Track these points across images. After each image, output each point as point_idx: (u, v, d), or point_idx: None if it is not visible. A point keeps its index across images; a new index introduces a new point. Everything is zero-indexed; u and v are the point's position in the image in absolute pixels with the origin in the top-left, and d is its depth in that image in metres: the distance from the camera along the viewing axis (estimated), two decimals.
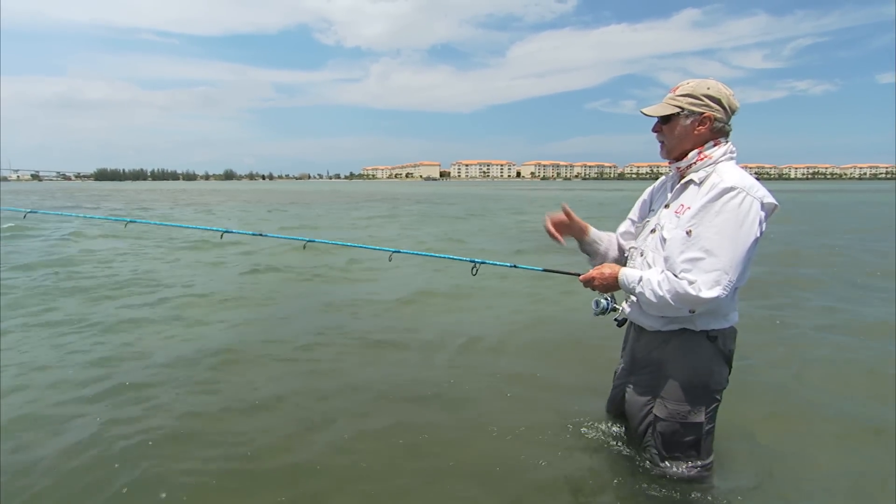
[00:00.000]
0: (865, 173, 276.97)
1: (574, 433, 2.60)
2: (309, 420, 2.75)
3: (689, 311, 1.88)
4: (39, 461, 2.30)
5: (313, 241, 2.62)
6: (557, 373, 3.39)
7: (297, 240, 2.65)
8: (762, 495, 2.18)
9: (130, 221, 2.61)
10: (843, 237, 11.27)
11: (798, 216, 17.02)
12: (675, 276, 1.84)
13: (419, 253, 2.89)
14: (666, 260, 1.91)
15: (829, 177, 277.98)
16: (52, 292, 5.42)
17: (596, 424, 2.60)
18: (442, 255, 3.01)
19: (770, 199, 1.83)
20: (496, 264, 2.79)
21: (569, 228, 2.30)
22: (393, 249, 2.70)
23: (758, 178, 1.90)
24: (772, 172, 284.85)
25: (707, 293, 1.77)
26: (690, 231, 1.83)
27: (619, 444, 2.40)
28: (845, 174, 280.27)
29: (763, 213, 1.81)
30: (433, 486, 2.21)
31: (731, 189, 1.79)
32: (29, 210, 2.85)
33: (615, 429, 2.49)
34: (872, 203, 26.31)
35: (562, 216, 2.26)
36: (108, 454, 2.36)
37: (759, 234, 1.81)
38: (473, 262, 2.69)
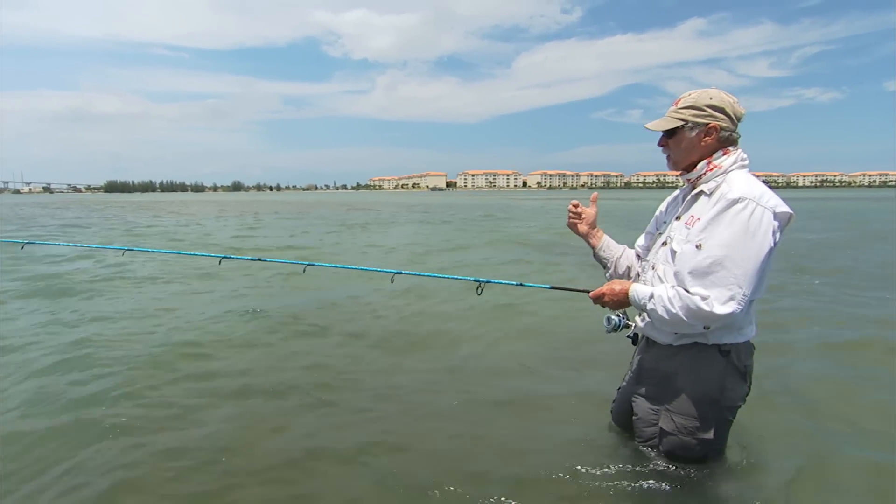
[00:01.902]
0: (875, 181, 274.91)
1: (579, 441, 2.56)
2: (314, 424, 2.72)
3: (704, 328, 1.82)
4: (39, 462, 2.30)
5: (313, 265, 2.59)
6: (565, 380, 3.37)
7: (298, 263, 2.62)
8: None
9: (128, 249, 2.59)
10: None
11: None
12: (687, 291, 1.78)
13: (422, 274, 2.86)
14: (676, 274, 1.85)
15: (837, 184, 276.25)
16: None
17: (601, 432, 2.56)
18: (445, 276, 2.98)
19: (783, 208, 1.76)
20: (502, 283, 2.79)
21: (585, 225, 2.31)
22: (395, 271, 2.66)
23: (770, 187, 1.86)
24: (779, 180, 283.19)
25: (721, 309, 1.72)
26: (700, 245, 1.77)
27: (624, 453, 2.35)
28: (854, 182, 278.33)
29: (776, 224, 1.75)
30: (436, 490, 2.20)
31: (740, 200, 1.73)
32: (27, 241, 2.88)
33: (621, 438, 2.43)
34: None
35: (586, 209, 2.31)
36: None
37: (772, 245, 1.74)
38: (478, 281, 2.66)
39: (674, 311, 1.81)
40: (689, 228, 1.86)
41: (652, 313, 1.89)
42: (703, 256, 1.75)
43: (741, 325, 1.89)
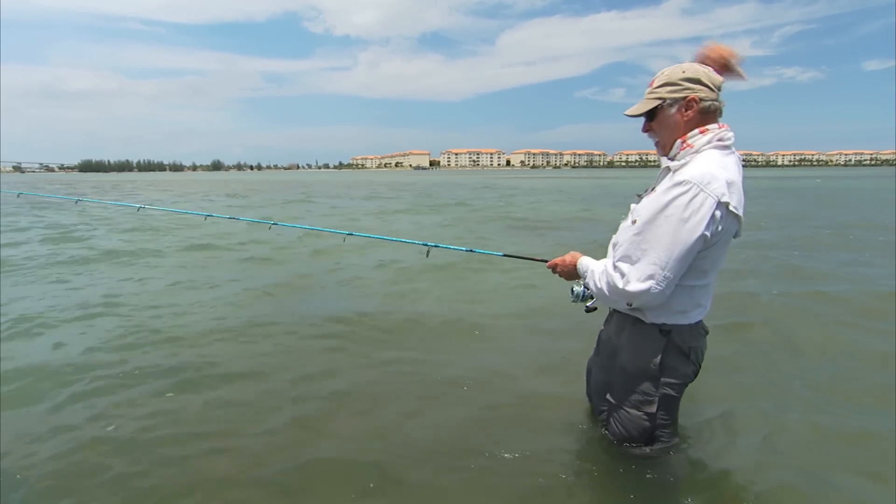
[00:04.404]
0: (850, 160, 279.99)
1: (549, 409, 2.59)
2: (299, 410, 2.63)
3: (627, 304, 1.85)
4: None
5: (277, 224, 2.97)
6: (542, 350, 3.40)
7: (264, 223, 3.01)
8: (721, 486, 2.06)
9: (140, 208, 2.91)
10: None
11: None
12: (614, 265, 1.82)
13: (372, 236, 3.15)
14: (614, 246, 1.92)
15: (815, 163, 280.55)
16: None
17: (571, 401, 2.60)
18: (393, 238, 3.17)
19: (728, 199, 1.68)
20: (450, 248, 2.93)
21: None
22: (347, 232, 3.02)
23: (744, 165, 1.83)
24: (759, 160, 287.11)
25: (634, 286, 1.74)
26: (636, 221, 1.78)
27: (586, 422, 2.42)
28: (831, 161, 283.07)
29: (719, 213, 1.67)
30: (409, 461, 2.22)
31: (683, 183, 1.67)
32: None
33: (585, 405, 2.49)
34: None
35: None
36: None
37: (708, 234, 1.68)
38: (426, 245, 2.77)
39: (600, 286, 1.87)
40: (641, 202, 1.86)
41: (588, 286, 2.00)
42: (633, 233, 1.77)
43: (683, 309, 1.86)
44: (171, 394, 2.76)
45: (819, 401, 2.70)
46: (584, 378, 2.46)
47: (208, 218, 3.09)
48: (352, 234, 3.08)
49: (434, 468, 2.15)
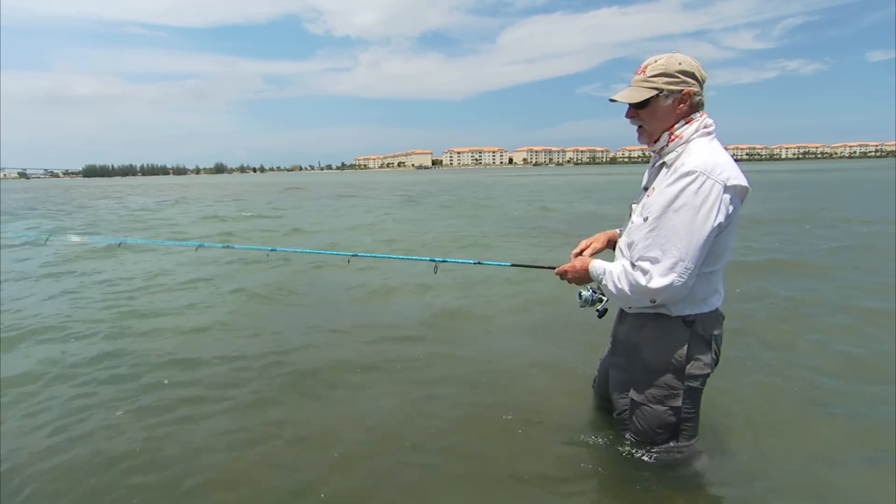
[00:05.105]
0: (855, 152, 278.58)
1: (560, 413, 2.59)
2: (304, 407, 2.70)
3: (651, 302, 1.83)
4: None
5: (275, 250, 2.85)
6: (547, 354, 3.40)
7: (262, 249, 2.88)
8: (744, 479, 2.08)
9: (121, 242, 2.85)
10: None
11: None
12: (633, 264, 1.83)
13: (377, 255, 3.09)
14: (628, 246, 1.91)
15: (819, 156, 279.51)
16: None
17: (582, 404, 2.60)
18: (400, 257, 3.21)
19: (735, 181, 1.72)
20: (458, 262, 2.90)
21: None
22: (350, 254, 2.89)
23: (736, 160, 1.84)
24: (763, 153, 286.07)
25: (658, 282, 1.74)
26: (647, 217, 1.79)
27: (602, 424, 2.40)
28: (835, 153, 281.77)
29: (728, 196, 1.71)
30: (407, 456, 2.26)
31: (690, 173, 1.70)
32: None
33: (599, 409, 2.49)
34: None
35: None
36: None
37: (722, 220, 1.72)
38: (434, 261, 2.76)
39: (620, 286, 1.85)
40: (647, 199, 1.85)
41: (605, 289, 1.96)
42: (648, 230, 1.77)
43: (704, 296, 1.87)
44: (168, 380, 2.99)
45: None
46: (592, 377, 2.49)
47: (201, 240, 3.00)
48: (356, 256, 2.93)
49: (431, 465, 2.15)
